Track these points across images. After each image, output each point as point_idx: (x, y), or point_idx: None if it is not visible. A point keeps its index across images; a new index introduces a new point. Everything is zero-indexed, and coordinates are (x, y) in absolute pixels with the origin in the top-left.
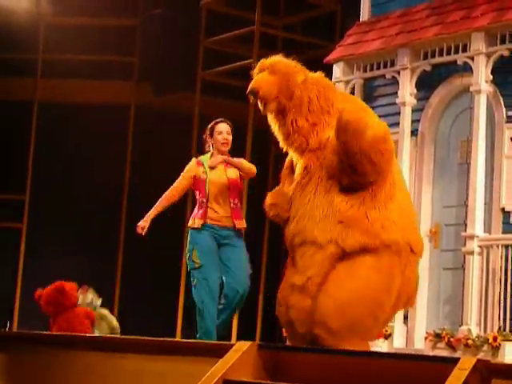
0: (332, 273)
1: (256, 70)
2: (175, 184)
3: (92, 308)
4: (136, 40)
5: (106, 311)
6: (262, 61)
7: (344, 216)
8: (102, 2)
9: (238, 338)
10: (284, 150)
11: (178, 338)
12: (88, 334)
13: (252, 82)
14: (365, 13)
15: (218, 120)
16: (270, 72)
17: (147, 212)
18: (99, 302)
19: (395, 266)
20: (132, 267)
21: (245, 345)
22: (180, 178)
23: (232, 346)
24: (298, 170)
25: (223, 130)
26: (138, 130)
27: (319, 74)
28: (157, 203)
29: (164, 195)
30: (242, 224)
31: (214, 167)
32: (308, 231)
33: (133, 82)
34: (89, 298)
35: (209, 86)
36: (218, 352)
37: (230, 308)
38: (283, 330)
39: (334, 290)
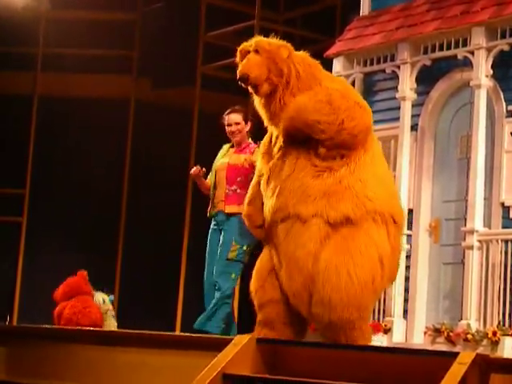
0: (324, 250)
1: (238, 57)
2: None
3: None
4: (136, 34)
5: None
6: (243, 46)
7: (327, 189)
8: None
9: (237, 332)
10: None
11: (177, 332)
12: (89, 328)
13: (240, 68)
14: (365, 7)
15: (227, 111)
16: (255, 52)
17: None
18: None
19: (383, 237)
20: (132, 261)
21: (244, 338)
22: None
23: (231, 339)
24: (279, 145)
25: (230, 121)
26: (137, 125)
27: (304, 53)
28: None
29: None
30: (231, 209)
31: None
32: (290, 206)
33: (132, 76)
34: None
35: (209, 80)
36: (217, 346)
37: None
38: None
39: (329, 266)
